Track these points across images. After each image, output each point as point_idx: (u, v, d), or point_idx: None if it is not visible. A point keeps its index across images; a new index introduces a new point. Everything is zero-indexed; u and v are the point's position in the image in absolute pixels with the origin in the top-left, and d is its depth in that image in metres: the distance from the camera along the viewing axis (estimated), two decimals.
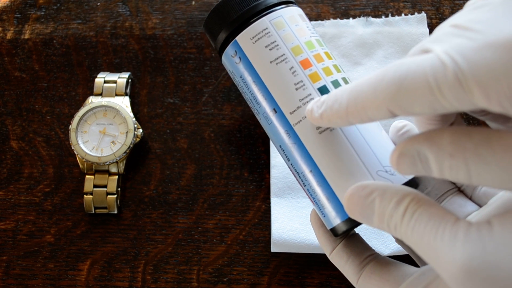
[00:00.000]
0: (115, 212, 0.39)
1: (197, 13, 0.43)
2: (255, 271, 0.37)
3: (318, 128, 0.27)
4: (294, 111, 0.28)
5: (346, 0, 0.43)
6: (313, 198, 0.28)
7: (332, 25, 0.42)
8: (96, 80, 0.41)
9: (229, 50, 0.31)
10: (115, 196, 0.38)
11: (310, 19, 0.42)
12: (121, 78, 0.41)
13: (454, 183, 0.28)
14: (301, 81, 0.28)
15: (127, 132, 0.39)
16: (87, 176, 0.39)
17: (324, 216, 0.28)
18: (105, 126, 0.39)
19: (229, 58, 0.31)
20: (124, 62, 0.43)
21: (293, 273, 0.37)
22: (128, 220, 0.39)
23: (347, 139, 0.27)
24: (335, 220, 0.27)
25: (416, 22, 0.41)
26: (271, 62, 0.29)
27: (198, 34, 0.43)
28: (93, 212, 0.39)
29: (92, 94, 0.41)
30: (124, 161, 0.39)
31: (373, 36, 0.41)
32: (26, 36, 0.44)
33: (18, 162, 0.41)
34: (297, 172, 0.29)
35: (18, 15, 0.45)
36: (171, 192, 0.39)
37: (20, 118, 0.42)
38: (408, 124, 0.29)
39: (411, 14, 0.42)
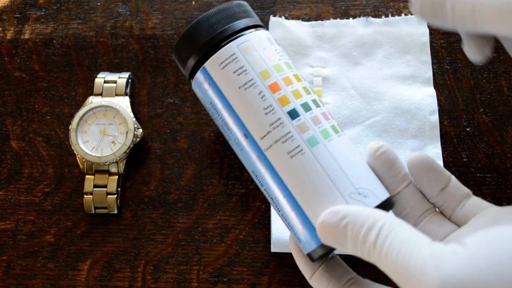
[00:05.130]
0: (115, 212, 0.39)
1: (197, 13, 0.43)
2: (255, 271, 0.37)
3: (289, 152, 0.27)
4: (265, 136, 0.28)
5: (346, 0, 0.43)
6: (288, 223, 0.28)
7: (332, 25, 0.42)
8: (96, 80, 0.41)
9: (198, 76, 0.30)
10: (115, 196, 0.38)
11: (310, 19, 0.42)
12: (121, 78, 0.41)
13: (432, 203, 0.28)
14: (270, 106, 0.28)
15: (127, 132, 0.39)
16: (87, 176, 0.39)
17: (300, 242, 0.28)
18: (105, 126, 0.39)
19: (198, 85, 0.31)
20: (124, 62, 0.43)
21: (293, 273, 0.37)
22: (128, 220, 0.39)
23: (318, 163, 0.27)
24: (310, 246, 0.27)
25: (416, 22, 0.41)
26: (239, 87, 0.29)
27: None
28: (93, 212, 0.39)
29: (92, 94, 0.41)
30: (124, 161, 0.39)
31: (373, 36, 0.41)
32: (26, 36, 0.44)
33: (18, 162, 0.41)
34: (271, 198, 0.29)
35: (18, 15, 0.45)
36: (171, 192, 0.39)
37: (20, 118, 0.42)
38: (384, 145, 0.28)
39: (411, 14, 0.42)
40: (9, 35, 0.44)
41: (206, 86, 0.30)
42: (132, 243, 0.38)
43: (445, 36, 0.41)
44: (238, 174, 0.39)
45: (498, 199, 0.37)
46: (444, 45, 0.41)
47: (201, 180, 0.39)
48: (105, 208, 0.39)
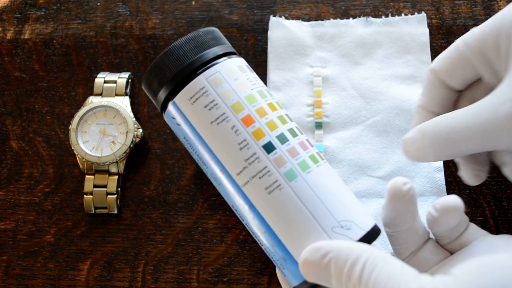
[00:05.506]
0: (115, 212, 0.39)
1: (197, 13, 0.43)
2: (255, 271, 0.37)
3: (267, 188, 0.26)
4: (241, 172, 0.27)
5: (346, 0, 0.43)
6: (272, 258, 0.28)
7: (332, 25, 0.42)
8: (96, 80, 0.41)
9: (170, 111, 0.29)
10: (115, 196, 0.38)
11: (310, 19, 0.42)
12: (121, 78, 0.41)
13: (429, 232, 0.28)
14: (245, 140, 0.27)
15: (127, 132, 0.39)
16: (87, 176, 0.39)
17: (285, 276, 0.27)
18: (105, 126, 0.39)
19: (170, 119, 0.30)
20: (124, 62, 0.43)
21: None
22: (128, 220, 0.39)
23: (297, 197, 0.26)
24: (296, 280, 0.27)
25: (416, 22, 0.41)
26: (211, 122, 0.27)
27: None
28: (93, 212, 0.39)
29: (92, 94, 0.41)
30: (124, 161, 0.39)
31: (373, 36, 0.41)
32: (26, 36, 0.44)
33: (18, 162, 0.41)
34: (253, 233, 0.28)
35: (18, 15, 0.45)
36: (171, 192, 0.39)
37: (20, 118, 0.42)
38: (412, 188, 0.26)
39: (411, 14, 0.42)
40: (9, 35, 0.44)
41: (178, 120, 0.29)
42: (132, 243, 0.38)
43: (445, 36, 0.41)
44: None
45: (498, 199, 0.37)
46: (444, 45, 0.41)
47: (201, 180, 0.39)
48: (105, 208, 0.39)
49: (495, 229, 0.37)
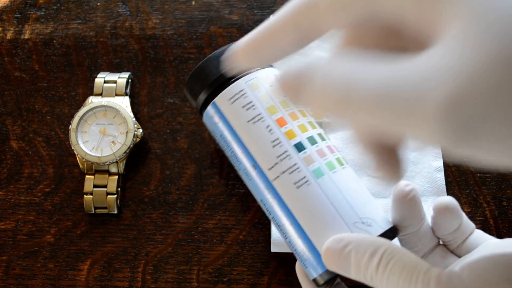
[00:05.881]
0: (115, 212, 0.39)
1: (197, 13, 0.43)
2: (255, 271, 0.37)
3: (295, 183, 0.28)
4: (272, 167, 0.29)
5: None
6: (295, 249, 0.29)
7: None
8: (96, 80, 0.41)
9: (209, 110, 0.32)
10: (115, 196, 0.38)
11: None
12: (121, 78, 0.41)
13: (438, 238, 0.29)
14: (278, 139, 0.29)
15: (127, 132, 0.39)
16: (87, 176, 0.39)
17: (306, 267, 0.29)
18: (105, 126, 0.39)
19: (209, 118, 0.32)
20: (124, 62, 0.43)
21: (293, 273, 0.37)
22: (128, 220, 0.39)
23: (324, 193, 0.28)
24: (316, 271, 0.28)
25: None
26: (248, 121, 0.30)
27: (198, 34, 0.43)
28: (93, 212, 0.39)
29: (92, 94, 0.41)
30: (124, 161, 0.39)
31: None
32: (26, 36, 0.44)
33: (18, 162, 0.41)
34: (279, 225, 0.30)
35: (18, 15, 0.45)
36: (171, 192, 0.39)
37: (20, 118, 0.42)
38: (414, 189, 0.28)
39: None
40: (9, 35, 0.44)
41: (216, 119, 0.31)
42: (132, 243, 0.38)
43: None
44: (238, 174, 0.39)
45: (498, 199, 0.37)
46: None
47: (201, 180, 0.39)
48: (105, 208, 0.39)
49: (495, 229, 0.37)
